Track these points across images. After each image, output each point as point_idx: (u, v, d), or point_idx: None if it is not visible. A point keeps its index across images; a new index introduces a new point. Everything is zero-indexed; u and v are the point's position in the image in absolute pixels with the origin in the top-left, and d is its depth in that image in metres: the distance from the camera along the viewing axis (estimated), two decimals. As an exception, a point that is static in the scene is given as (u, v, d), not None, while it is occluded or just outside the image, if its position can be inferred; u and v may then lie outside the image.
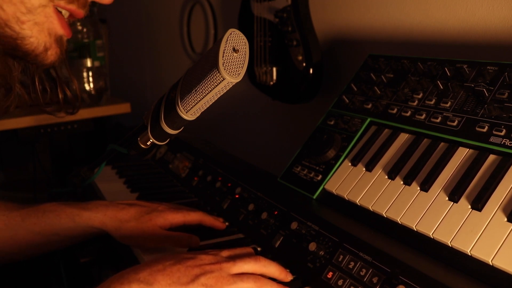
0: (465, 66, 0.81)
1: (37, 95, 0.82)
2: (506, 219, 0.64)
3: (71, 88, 0.87)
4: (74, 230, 0.89)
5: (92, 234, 0.91)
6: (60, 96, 0.86)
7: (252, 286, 0.67)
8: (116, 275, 0.64)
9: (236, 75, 0.64)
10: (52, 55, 0.66)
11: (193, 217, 0.91)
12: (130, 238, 0.88)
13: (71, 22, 0.70)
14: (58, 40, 0.66)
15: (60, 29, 0.65)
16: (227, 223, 0.95)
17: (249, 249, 0.76)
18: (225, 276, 0.66)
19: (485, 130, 0.73)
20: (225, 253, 0.72)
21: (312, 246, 0.74)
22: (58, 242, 0.91)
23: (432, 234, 0.69)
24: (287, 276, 0.72)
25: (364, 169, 0.86)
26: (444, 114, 0.81)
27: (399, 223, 0.74)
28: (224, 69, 0.62)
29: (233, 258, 0.69)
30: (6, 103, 0.77)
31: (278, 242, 0.81)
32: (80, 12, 0.67)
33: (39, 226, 0.88)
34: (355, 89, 0.98)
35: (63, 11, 0.65)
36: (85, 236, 0.92)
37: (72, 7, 0.65)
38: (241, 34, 0.64)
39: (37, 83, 0.81)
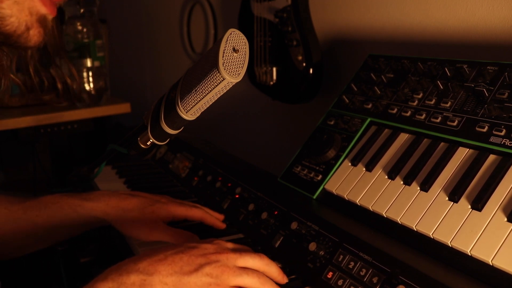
0: (465, 66, 0.81)
1: (33, 84, 0.81)
2: (506, 219, 0.64)
3: (73, 79, 0.86)
4: (77, 220, 0.89)
5: (93, 225, 0.91)
6: (59, 86, 0.85)
7: (255, 282, 0.66)
8: (113, 266, 0.62)
9: (236, 75, 0.64)
10: (35, 35, 0.62)
11: (195, 213, 0.91)
12: (131, 228, 0.87)
13: (57, 5, 0.66)
14: (42, 19, 0.63)
15: (41, 7, 0.61)
16: (227, 222, 0.95)
17: (249, 248, 0.76)
18: (231, 267, 0.64)
19: (485, 130, 0.73)
20: (230, 245, 0.71)
21: (312, 246, 0.74)
22: (60, 233, 0.91)
23: (432, 234, 0.69)
24: (284, 279, 0.71)
25: (364, 169, 0.86)
26: (444, 114, 0.81)
27: (399, 223, 0.74)
28: (224, 69, 0.62)
29: (238, 251, 0.68)
30: None
31: (278, 242, 0.81)
32: None
33: (41, 218, 0.88)
34: (355, 89, 0.98)
35: None
36: (87, 227, 0.91)
37: None
38: (241, 34, 0.64)
39: (32, 74, 0.80)
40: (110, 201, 0.89)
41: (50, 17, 0.64)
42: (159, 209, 0.89)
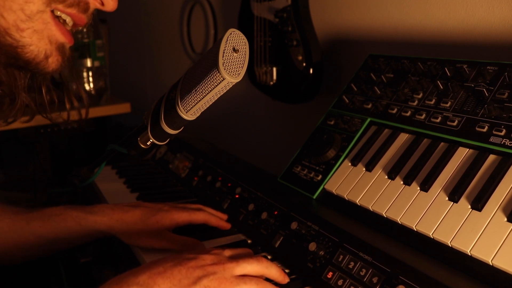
0: (465, 66, 0.81)
1: (44, 105, 0.82)
2: (506, 219, 0.64)
3: (78, 98, 0.87)
4: (80, 233, 0.89)
5: (97, 237, 0.91)
6: (67, 106, 0.86)
7: None
8: (114, 279, 0.63)
9: (236, 75, 0.64)
10: (53, 62, 0.65)
11: (199, 216, 0.92)
12: (136, 240, 0.88)
13: (73, 31, 0.69)
14: (60, 48, 0.66)
15: (60, 36, 0.64)
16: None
17: (249, 250, 0.76)
18: (228, 278, 0.65)
19: (485, 130, 0.73)
20: (228, 252, 0.71)
21: (312, 246, 0.74)
22: (62, 245, 0.91)
23: (432, 234, 0.69)
24: (285, 279, 0.71)
25: (364, 169, 0.86)
26: (444, 114, 0.81)
27: (399, 223, 0.74)
28: (224, 69, 0.62)
29: (235, 258, 0.68)
30: (11, 113, 0.77)
31: (278, 242, 0.81)
32: (82, 18, 0.66)
33: (44, 229, 0.88)
34: (355, 89, 0.98)
35: (67, 19, 0.65)
36: (91, 239, 0.92)
37: (72, 11, 0.64)
38: (241, 34, 0.64)
39: (44, 93, 0.81)
40: (114, 215, 0.89)
41: (68, 45, 0.67)
42: (163, 218, 0.89)
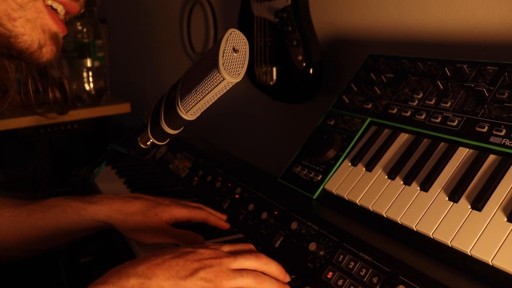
0: (465, 66, 0.81)
1: (29, 96, 0.81)
2: (506, 219, 0.64)
3: (62, 89, 0.86)
4: (80, 223, 0.89)
5: (97, 228, 0.91)
6: (50, 96, 0.85)
7: (251, 282, 0.66)
8: (113, 270, 0.63)
9: (236, 75, 0.64)
10: (47, 52, 0.64)
11: (198, 214, 0.92)
12: (135, 232, 0.87)
13: (67, 19, 0.68)
14: (54, 37, 0.64)
15: (53, 25, 0.63)
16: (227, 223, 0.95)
17: (250, 246, 0.75)
18: (225, 271, 0.65)
19: (485, 130, 0.73)
20: (226, 248, 0.71)
21: (312, 246, 0.75)
22: (63, 236, 0.91)
23: (432, 234, 0.69)
24: (285, 277, 0.71)
25: (364, 169, 0.86)
26: (444, 114, 0.81)
27: (399, 223, 0.74)
28: (224, 69, 0.62)
29: (234, 254, 0.69)
30: (4, 106, 0.76)
31: (278, 242, 0.81)
32: (74, 6, 0.65)
33: (44, 221, 0.88)
34: (355, 89, 0.98)
35: (59, 8, 0.64)
36: (90, 230, 0.91)
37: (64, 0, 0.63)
38: (241, 34, 0.64)
39: (30, 84, 0.80)
40: (113, 205, 0.89)
41: (61, 35, 0.66)
42: (162, 211, 0.89)
